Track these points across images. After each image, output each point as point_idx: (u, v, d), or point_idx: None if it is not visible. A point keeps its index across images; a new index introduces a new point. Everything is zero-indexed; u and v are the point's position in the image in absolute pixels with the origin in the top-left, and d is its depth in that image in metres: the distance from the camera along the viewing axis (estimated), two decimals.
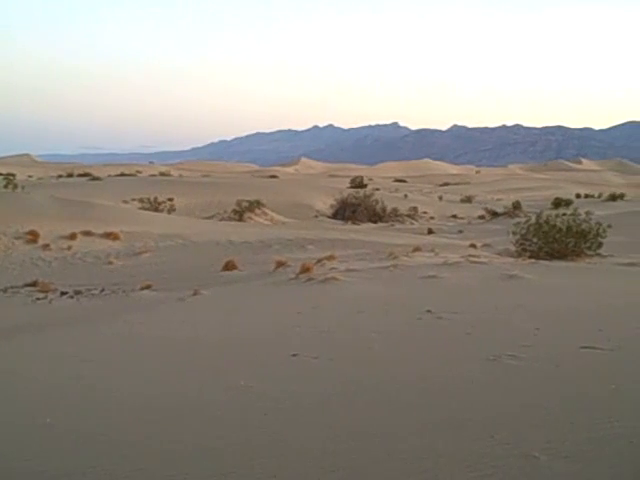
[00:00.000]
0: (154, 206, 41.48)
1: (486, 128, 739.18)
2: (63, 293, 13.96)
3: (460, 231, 39.93)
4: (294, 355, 6.49)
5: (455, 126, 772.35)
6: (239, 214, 39.85)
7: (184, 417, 4.82)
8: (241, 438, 4.30)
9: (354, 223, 43.23)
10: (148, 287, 13.82)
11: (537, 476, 3.51)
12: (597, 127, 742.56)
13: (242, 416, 4.76)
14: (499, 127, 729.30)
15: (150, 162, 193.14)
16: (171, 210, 41.93)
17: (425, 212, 55.87)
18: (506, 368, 5.80)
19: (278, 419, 4.66)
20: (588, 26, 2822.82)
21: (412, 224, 46.97)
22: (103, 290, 14.24)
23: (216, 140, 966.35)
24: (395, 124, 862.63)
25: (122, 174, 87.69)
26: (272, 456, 3.97)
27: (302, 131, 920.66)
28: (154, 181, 61.23)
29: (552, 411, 4.58)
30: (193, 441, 4.29)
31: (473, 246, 23.83)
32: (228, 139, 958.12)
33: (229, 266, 16.61)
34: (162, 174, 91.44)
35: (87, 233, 22.53)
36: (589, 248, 20.34)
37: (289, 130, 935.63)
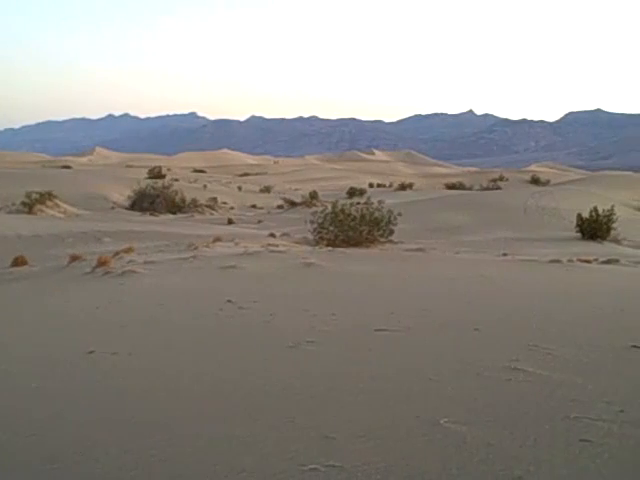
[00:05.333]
0: None
1: (283, 119, 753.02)
2: None
3: (260, 221, 40.33)
4: (90, 352, 6.25)
5: (253, 117, 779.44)
6: (29, 206, 37.64)
7: None
8: (34, 442, 4.08)
9: (152, 214, 42.37)
10: None
11: (333, 455, 3.64)
12: (387, 120, 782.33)
13: (36, 419, 4.52)
14: (296, 118, 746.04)
15: None
16: None
17: (225, 202, 55.85)
18: (305, 354, 5.95)
19: (75, 419, 4.47)
20: (375, 27, 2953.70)
21: (212, 214, 46.81)
22: None
23: (2, 128, 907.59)
24: (193, 114, 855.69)
25: None
26: (71, 458, 3.81)
27: (96, 120, 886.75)
28: None
29: (349, 393, 4.77)
30: None
31: (272, 235, 24.21)
32: (16, 127, 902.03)
33: (18, 262, 15.64)
34: None
35: None
36: (382, 235, 21.35)
37: (83, 118, 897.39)
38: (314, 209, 27.40)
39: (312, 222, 21.60)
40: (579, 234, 27.28)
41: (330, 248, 16.95)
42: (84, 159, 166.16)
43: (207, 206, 50.21)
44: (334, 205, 22.14)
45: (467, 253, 17.43)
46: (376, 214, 21.54)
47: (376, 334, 6.62)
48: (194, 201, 48.77)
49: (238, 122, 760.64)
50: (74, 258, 14.62)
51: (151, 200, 45.72)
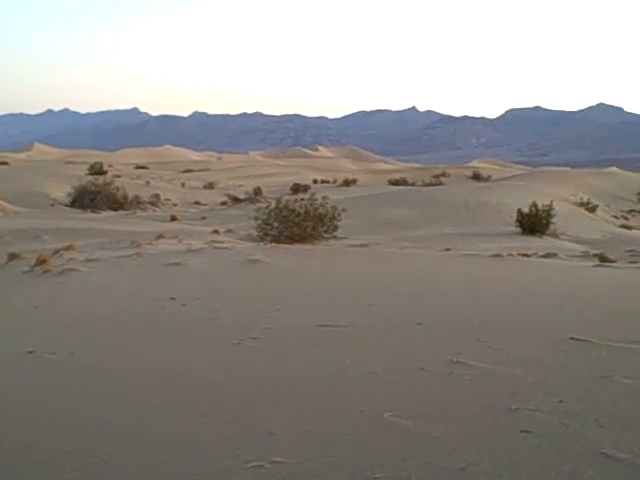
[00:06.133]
0: None
1: (227, 115, 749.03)
2: None
3: (203, 217, 40.02)
4: (30, 352, 6.13)
5: (197, 112, 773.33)
6: None
7: None
8: None
9: (94, 211, 41.62)
10: None
11: (278, 451, 3.64)
12: (331, 116, 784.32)
13: None
14: (240, 114, 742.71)
15: None
16: None
17: (168, 199, 55.25)
18: (250, 351, 5.93)
19: (14, 420, 4.38)
20: (318, 23, 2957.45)
21: (155, 211, 46.27)
22: None
23: None
24: (135, 109, 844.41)
25: None
26: (10, 461, 3.73)
27: (35, 115, 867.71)
28: None
29: (294, 389, 4.77)
30: None
31: (216, 232, 24.07)
32: None
33: None
34: None
35: None
36: (326, 231, 21.34)
37: (21, 113, 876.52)
38: (258, 205, 27.29)
39: (256, 218, 21.49)
40: (519, 229, 27.83)
41: (274, 244, 16.92)
42: (22, 155, 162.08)
43: (150, 203, 49.57)
44: (278, 201, 22.08)
45: (411, 248, 17.59)
46: (320, 210, 21.54)
47: (320, 330, 6.64)
48: (136, 198, 48.08)
49: (181, 118, 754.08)
50: (12, 257, 14.29)
51: (92, 197, 44.83)
